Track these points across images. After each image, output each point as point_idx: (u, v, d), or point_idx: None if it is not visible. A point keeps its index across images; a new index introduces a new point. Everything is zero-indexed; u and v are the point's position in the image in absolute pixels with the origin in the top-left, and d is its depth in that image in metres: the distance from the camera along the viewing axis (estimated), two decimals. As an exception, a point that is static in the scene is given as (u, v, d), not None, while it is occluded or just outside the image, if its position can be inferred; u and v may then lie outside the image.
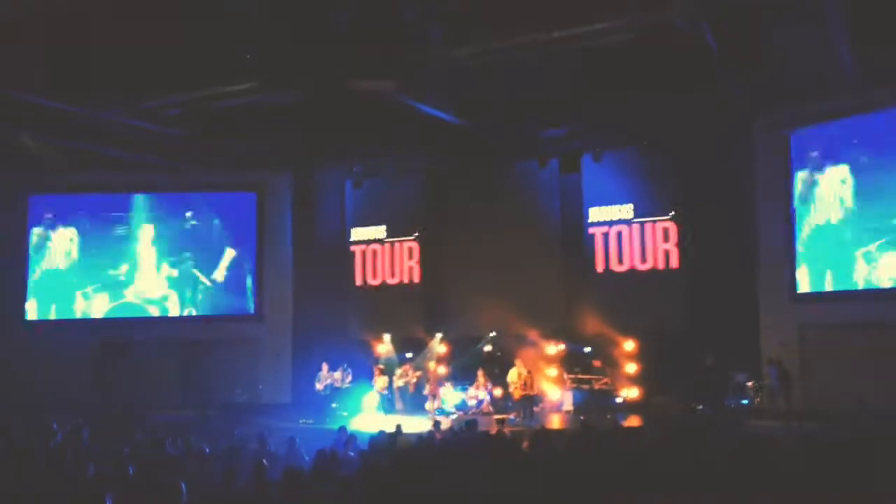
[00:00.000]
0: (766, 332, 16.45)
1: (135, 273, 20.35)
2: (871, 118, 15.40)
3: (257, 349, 19.86)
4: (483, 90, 14.95)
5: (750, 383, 15.85)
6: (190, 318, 20.28)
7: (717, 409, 15.46)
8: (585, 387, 17.31)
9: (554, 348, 17.98)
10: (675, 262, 17.64)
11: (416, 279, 20.05)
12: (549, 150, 18.56)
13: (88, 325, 19.83)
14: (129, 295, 20.25)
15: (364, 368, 18.03)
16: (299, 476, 6.94)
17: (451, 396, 17.32)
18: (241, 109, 15.38)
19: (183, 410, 16.84)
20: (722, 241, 16.69)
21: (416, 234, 20.06)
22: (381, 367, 18.20)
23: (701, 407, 15.34)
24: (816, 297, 16.04)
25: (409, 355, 19.05)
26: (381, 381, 17.70)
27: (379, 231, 20.51)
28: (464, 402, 17.23)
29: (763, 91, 15.09)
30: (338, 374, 17.27)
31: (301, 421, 16.43)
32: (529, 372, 16.47)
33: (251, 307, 20.47)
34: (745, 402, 15.76)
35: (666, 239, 17.78)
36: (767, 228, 16.80)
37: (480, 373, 17.52)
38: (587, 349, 17.88)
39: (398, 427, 11.64)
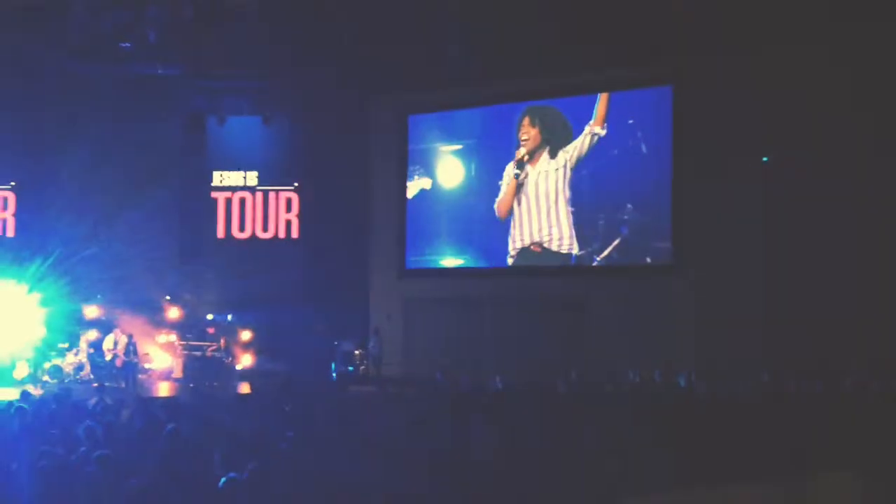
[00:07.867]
0: (375, 305, 17.56)
1: None
2: (479, 111, 17.02)
3: None
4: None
5: (357, 352, 16.79)
6: None
7: (324, 375, 16.13)
8: (198, 353, 16.94)
9: (173, 313, 17.41)
10: (295, 233, 18.08)
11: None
12: (172, 107, 17.70)
13: None
14: None
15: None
16: None
17: (42, 363, 15.73)
18: None
19: None
20: (341, 215, 17.45)
21: (13, 184, 17.91)
22: None
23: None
24: (419, 273, 17.42)
25: None
26: None
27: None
28: (58, 370, 15.76)
29: (384, 74, 15.93)
30: None
31: None
32: (130, 338, 15.63)
33: None
34: (350, 368, 16.66)
35: (289, 209, 18.14)
36: (381, 206, 17.83)
37: (83, 338, 16.25)
38: (210, 316, 17.58)
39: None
